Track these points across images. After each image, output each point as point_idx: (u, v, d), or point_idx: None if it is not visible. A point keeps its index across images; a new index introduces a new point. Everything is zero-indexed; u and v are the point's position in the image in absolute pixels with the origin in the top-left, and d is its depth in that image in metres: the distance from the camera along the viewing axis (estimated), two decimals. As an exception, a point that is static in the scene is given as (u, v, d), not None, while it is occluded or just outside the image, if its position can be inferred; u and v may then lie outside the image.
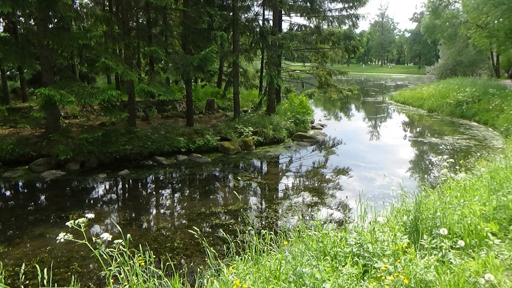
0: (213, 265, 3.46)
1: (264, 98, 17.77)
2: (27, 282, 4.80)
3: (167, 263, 3.71)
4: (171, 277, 3.22)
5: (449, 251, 3.24)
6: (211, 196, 8.49)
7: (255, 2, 16.80)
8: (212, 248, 3.64)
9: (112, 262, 2.82)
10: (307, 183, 9.59)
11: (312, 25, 17.39)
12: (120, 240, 2.85)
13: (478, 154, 10.93)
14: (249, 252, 3.65)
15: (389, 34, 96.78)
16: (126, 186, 9.38)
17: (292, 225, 6.58)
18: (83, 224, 2.76)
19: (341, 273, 2.96)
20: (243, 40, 18.22)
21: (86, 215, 2.86)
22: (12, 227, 6.69)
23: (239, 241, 4.41)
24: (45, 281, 2.75)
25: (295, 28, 17.76)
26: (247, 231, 5.71)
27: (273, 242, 4.03)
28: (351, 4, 16.69)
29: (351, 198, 8.11)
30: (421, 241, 3.47)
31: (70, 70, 14.94)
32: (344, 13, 16.87)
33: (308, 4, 16.31)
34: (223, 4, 15.26)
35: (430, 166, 11.31)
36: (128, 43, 12.33)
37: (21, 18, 14.46)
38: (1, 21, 16.80)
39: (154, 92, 11.37)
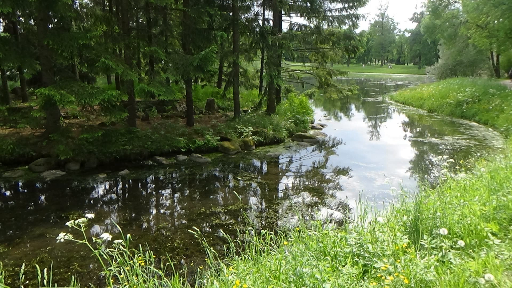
0: (213, 265, 3.45)
1: (264, 98, 17.77)
2: (27, 282, 4.80)
3: (167, 263, 3.71)
4: (171, 277, 3.22)
5: (449, 251, 3.24)
6: (211, 196, 8.49)
7: (255, 2, 16.81)
8: (212, 248, 3.64)
9: (112, 262, 2.82)
10: (307, 183, 9.59)
11: (312, 25, 17.39)
12: (120, 240, 2.85)
13: (478, 154, 10.93)
14: (249, 252, 3.65)
15: (389, 34, 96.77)
16: (126, 186, 9.38)
17: (292, 225, 6.58)
18: (83, 224, 2.76)
19: (341, 273, 2.96)
20: (243, 40, 18.22)
21: (86, 215, 2.86)
22: (12, 227, 6.69)
23: (239, 241, 4.41)
24: (45, 281, 2.75)
25: (295, 28, 17.76)
26: (247, 231, 5.71)
27: (273, 242, 4.03)
28: (351, 4, 16.69)
29: (351, 198, 8.11)
30: (421, 241, 3.47)
31: (70, 70, 14.94)
32: (344, 13, 16.87)
33: (308, 4, 16.31)
34: (223, 4, 15.26)
35: (430, 166, 11.31)
36: (128, 43, 12.32)
37: (21, 18, 14.46)
38: (1, 21, 16.80)
39: (154, 92, 11.37)
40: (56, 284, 3.16)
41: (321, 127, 17.25)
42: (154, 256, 3.42)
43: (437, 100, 23.22)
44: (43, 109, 10.21)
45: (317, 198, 8.27)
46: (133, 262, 2.95)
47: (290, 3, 16.08)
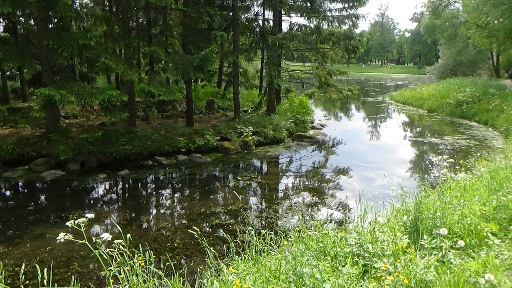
0: (213, 265, 3.45)
1: (264, 98, 17.77)
2: (27, 282, 4.80)
3: (167, 263, 3.71)
4: (171, 277, 3.22)
5: (449, 251, 3.24)
6: (211, 196, 8.49)
7: (255, 2, 16.81)
8: (212, 248, 3.64)
9: (112, 262, 2.82)
10: (307, 183, 9.59)
11: (312, 25, 17.39)
12: (120, 240, 2.85)
13: (478, 154, 10.92)
14: (249, 252, 3.65)
15: (389, 34, 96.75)
16: (126, 186, 9.38)
17: (292, 225, 6.58)
18: (83, 224, 2.76)
19: (341, 273, 2.96)
20: (243, 40, 18.22)
21: (86, 215, 2.86)
22: (12, 227, 6.69)
23: (239, 241, 4.41)
24: (45, 281, 2.75)
25: (295, 28, 17.76)
26: (247, 231, 5.71)
27: (273, 242, 4.02)
28: (351, 4, 16.70)
29: (351, 198, 8.11)
30: (421, 241, 3.47)
31: (70, 70, 14.94)
32: (344, 13, 16.88)
33: (308, 4, 16.31)
34: (223, 4, 15.27)
35: (430, 166, 11.31)
36: (128, 43, 12.32)
37: (21, 18, 14.46)
38: (1, 21, 16.80)
39: (154, 92, 11.37)
40: (56, 284, 3.16)
41: (321, 127, 17.24)
42: (154, 256, 3.42)
43: (437, 100, 23.21)
44: (43, 109, 10.21)
45: (317, 198, 8.27)
46: (133, 262, 2.95)
47: (290, 3, 16.07)
